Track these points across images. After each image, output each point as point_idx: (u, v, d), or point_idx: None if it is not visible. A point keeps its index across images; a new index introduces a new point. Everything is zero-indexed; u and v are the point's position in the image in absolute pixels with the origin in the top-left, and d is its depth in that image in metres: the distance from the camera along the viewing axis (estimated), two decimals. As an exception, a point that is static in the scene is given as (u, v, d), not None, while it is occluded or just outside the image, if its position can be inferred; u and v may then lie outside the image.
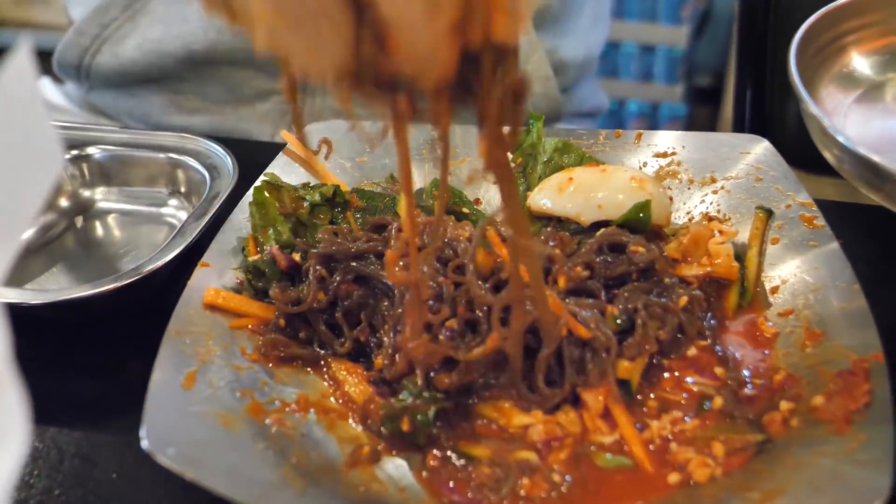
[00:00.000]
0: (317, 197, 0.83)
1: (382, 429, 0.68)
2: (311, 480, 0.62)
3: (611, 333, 0.70)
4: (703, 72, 3.31)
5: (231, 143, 1.01)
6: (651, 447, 0.66)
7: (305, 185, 0.85)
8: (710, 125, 3.25)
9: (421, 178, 0.93)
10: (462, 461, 0.66)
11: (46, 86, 1.48)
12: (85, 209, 1.04)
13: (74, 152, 1.03)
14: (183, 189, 1.02)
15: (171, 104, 1.32)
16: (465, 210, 0.88)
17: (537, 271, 0.65)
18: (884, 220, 0.84)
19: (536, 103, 1.29)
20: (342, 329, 0.76)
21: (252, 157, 0.94)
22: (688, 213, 0.87)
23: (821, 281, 0.73)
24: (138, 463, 0.70)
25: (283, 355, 0.74)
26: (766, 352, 0.73)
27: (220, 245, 0.81)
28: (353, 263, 0.76)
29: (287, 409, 0.69)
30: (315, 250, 0.77)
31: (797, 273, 0.76)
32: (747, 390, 0.70)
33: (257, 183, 0.84)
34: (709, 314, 0.77)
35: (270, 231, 0.82)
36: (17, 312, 0.78)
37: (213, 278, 0.78)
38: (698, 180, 0.87)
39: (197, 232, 0.83)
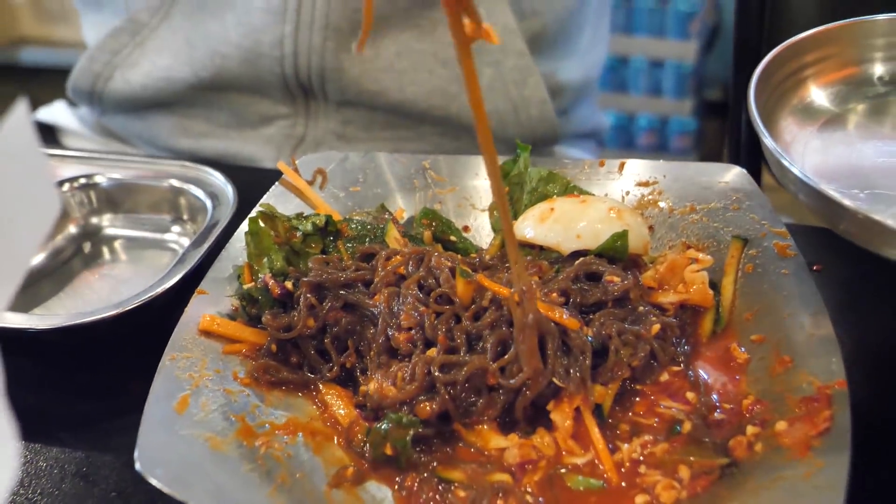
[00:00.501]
0: (309, 227, 0.86)
1: (365, 451, 0.71)
2: (294, 501, 0.65)
3: (586, 339, 0.73)
4: (713, 86, 3.33)
5: (233, 171, 1.05)
6: (622, 469, 0.69)
7: (299, 216, 0.89)
8: (720, 138, 3.27)
9: (411, 207, 0.96)
10: (440, 484, 0.69)
11: (61, 109, 1.52)
12: (92, 235, 1.08)
13: (83, 180, 1.08)
14: (185, 216, 1.06)
15: (179, 128, 1.37)
16: (453, 238, 0.91)
17: (521, 268, 0.69)
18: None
19: (534, 127, 1.31)
20: (331, 355, 0.79)
21: (253, 184, 0.97)
22: (668, 241, 0.89)
23: (791, 308, 0.76)
24: (137, 483, 0.72)
25: (274, 380, 0.78)
26: (738, 377, 0.75)
27: (216, 273, 0.85)
28: (342, 291, 0.80)
29: (276, 431, 0.73)
30: (306, 279, 0.80)
31: (770, 300, 0.78)
32: (717, 415, 0.72)
33: (252, 214, 0.88)
34: (683, 340, 0.79)
35: (265, 260, 0.85)
36: (25, 336, 0.83)
37: (209, 305, 0.82)
38: (678, 209, 0.90)
39: (196, 260, 0.88)
